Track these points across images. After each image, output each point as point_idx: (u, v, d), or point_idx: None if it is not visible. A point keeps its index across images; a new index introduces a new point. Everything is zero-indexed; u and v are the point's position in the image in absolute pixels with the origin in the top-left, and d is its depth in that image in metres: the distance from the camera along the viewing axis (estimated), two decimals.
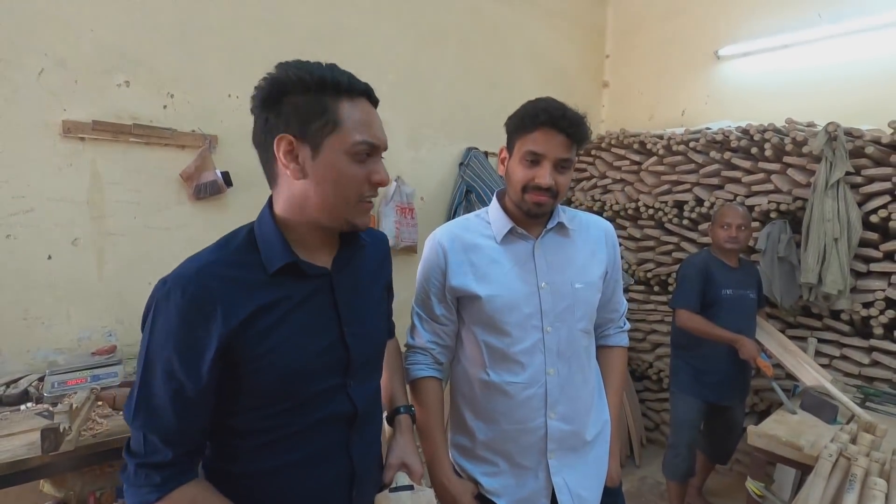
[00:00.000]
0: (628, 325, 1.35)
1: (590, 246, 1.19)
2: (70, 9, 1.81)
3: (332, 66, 0.77)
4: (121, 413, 1.57)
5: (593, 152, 3.39)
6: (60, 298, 1.85)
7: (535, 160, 1.06)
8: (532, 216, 1.12)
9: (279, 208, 0.80)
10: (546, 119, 1.04)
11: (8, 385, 1.66)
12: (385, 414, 1.02)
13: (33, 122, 1.77)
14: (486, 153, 3.09)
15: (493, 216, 1.17)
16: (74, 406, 1.43)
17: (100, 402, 1.59)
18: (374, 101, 0.82)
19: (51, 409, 1.51)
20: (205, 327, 0.71)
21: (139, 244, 2.00)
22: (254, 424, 0.78)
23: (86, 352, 1.87)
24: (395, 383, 1.08)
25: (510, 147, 1.13)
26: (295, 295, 0.79)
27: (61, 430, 1.32)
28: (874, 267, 2.30)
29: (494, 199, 1.20)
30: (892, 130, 2.24)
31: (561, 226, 1.16)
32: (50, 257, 1.82)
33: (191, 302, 0.71)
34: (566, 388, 1.13)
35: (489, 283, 1.11)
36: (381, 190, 2.70)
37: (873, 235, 2.29)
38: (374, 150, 0.79)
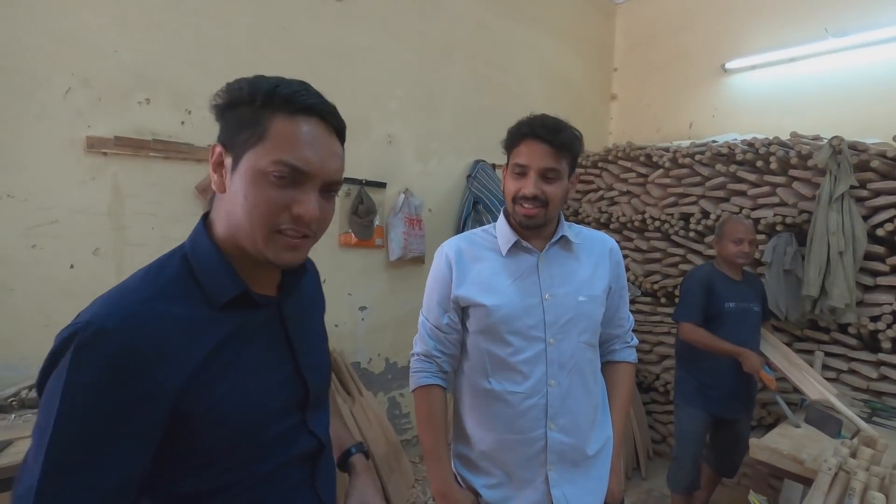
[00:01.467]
0: (636, 341, 1.34)
1: (593, 260, 1.22)
2: (95, 31, 1.91)
3: (289, 81, 0.68)
4: None
5: (600, 164, 3.42)
6: (82, 306, 1.91)
7: (521, 172, 1.11)
8: (525, 227, 1.15)
9: (219, 227, 0.69)
10: (527, 131, 1.10)
11: (30, 388, 1.74)
12: (336, 460, 0.92)
13: (59, 139, 1.87)
14: (493, 165, 3.15)
15: (499, 230, 1.21)
16: None
17: None
18: (333, 126, 0.70)
19: None
20: (146, 382, 0.58)
21: (157, 254, 2.06)
22: (206, 485, 0.66)
23: None
24: (338, 424, 0.99)
25: (507, 164, 1.18)
26: (246, 329, 0.69)
27: None
28: (881, 280, 2.30)
29: (502, 214, 1.24)
30: None
31: (565, 240, 1.19)
32: (72, 266, 1.91)
33: (126, 351, 0.57)
34: (567, 400, 1.15)
35: (494, 294, 1.14)
36: (389, 201, 2.84)
37: (880, 249, 2.29)
38: (298, 175, 0.65)
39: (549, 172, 1.10)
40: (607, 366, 1.30)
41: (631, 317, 1.34)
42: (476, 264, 1.18)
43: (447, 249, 1.21)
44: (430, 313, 1.22)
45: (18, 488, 0.55)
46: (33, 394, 1.71)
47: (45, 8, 1.81)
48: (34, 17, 1.80)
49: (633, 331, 1.36)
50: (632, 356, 1.33)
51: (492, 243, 1.20)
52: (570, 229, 1.21)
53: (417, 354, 1.25)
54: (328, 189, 0.69)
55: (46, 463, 0.54)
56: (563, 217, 1.22)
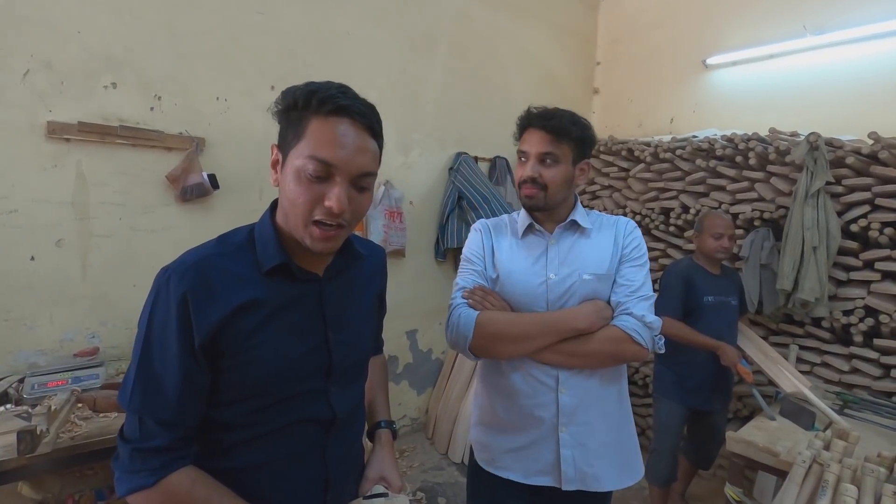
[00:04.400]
0: (643, 315, 1.15)
1: (609, 242, 1.24)
2: (57, 10, 1.81)
3: (331, 85, 0.78)
4: (101, 416, 1.57)
5: None
6: (43, 300, 1.84)
7: (524, 159, 1.21)
8: (528, 209, 1.24)
9: (279, 212, 0.82)
10: (526, 122, 1.21)
11: None
12: (366, 429, 1.03)
13: (18, 123, 1.77)
14: (475, 158, 3.11)
15: (520, 215, 1.30)
16: (53, 408, 1.43)
17: (80, 405, 1.59)
18: (364, 125, 0.78)
19: (30, 410, 1.51)
20: (198, 313, 0.73)
21: (124, 246, 2.00)
22: (237, 418, 0.79)
23: (68, 353, 1.87)
24: (378, 398, 1.09)
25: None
26: (284, 296, 0.81)
27: (38, 432, 1.31)
28: (854, 275, 2.34)
29: None
30: (872, 141, 2.28)
31: (574, 223, 1.24)
32: (33, 258, 1.82)
33: (188, 289, 0.73)
34: (574, 374, 1.18)
35: (506, 271, 1.23)
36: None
37: (853, 244, 2.33)
38: (328, 169, 0.74)
39: (546, 157, 1.17)
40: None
41: (646, 289, 1.20)
42: (498, 242, 1.27)
43: (480, 226, 1.32)
44: (471, 274, 1.25)
45: (123, 383, 0.76)
46: None
47: None
48: None
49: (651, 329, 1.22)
50: (623, 322, 1.15)
51: (513, 228, 1.29)
52: (586, 215, 1.26)
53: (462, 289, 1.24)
54: (359, 182, 0.78)
55: (138, 366, 0.75)
56: (578, 203, 1.26)
